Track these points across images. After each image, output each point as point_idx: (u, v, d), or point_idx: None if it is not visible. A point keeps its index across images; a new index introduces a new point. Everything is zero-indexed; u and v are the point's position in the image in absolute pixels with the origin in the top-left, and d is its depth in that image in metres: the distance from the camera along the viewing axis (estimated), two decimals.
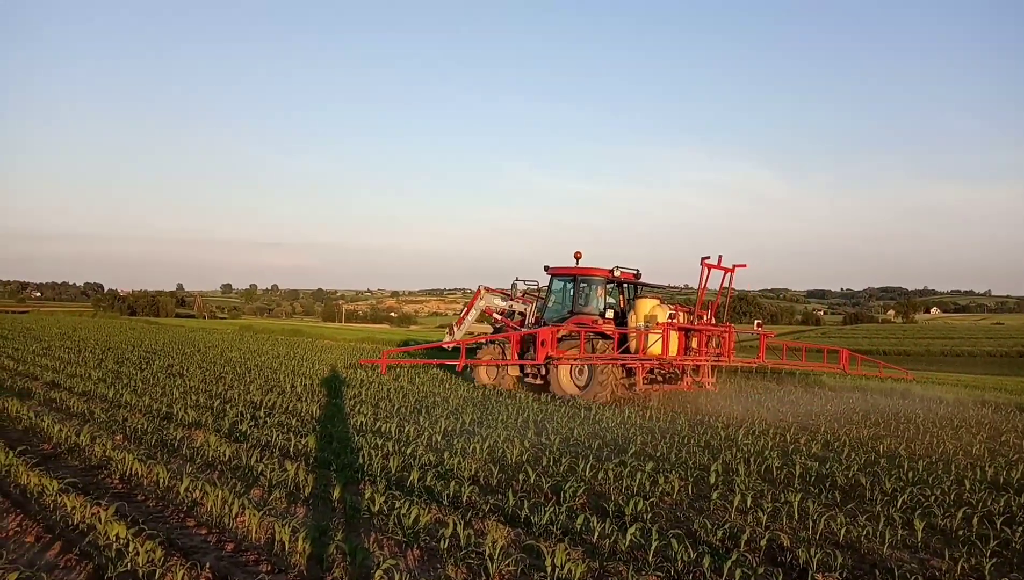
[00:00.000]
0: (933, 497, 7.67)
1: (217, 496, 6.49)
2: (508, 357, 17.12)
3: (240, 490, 7.12)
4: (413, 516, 6.25)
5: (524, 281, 18.93)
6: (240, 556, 5.60)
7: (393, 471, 8.01)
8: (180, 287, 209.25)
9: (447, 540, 5.81)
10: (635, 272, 17.41)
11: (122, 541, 5.45)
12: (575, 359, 15.83)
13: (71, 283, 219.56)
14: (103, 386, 13.95)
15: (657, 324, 15.37)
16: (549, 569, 5.22)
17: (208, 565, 5.18)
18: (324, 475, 7.83)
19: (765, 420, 13.06)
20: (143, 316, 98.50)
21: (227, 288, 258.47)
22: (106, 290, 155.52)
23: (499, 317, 19.13)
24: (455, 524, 5.97)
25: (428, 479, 7.60)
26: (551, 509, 6.56)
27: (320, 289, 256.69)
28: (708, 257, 15.53)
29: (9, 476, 7.52)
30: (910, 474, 8.82)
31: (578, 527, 6.24)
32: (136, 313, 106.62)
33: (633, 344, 15.70)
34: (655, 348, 15.18)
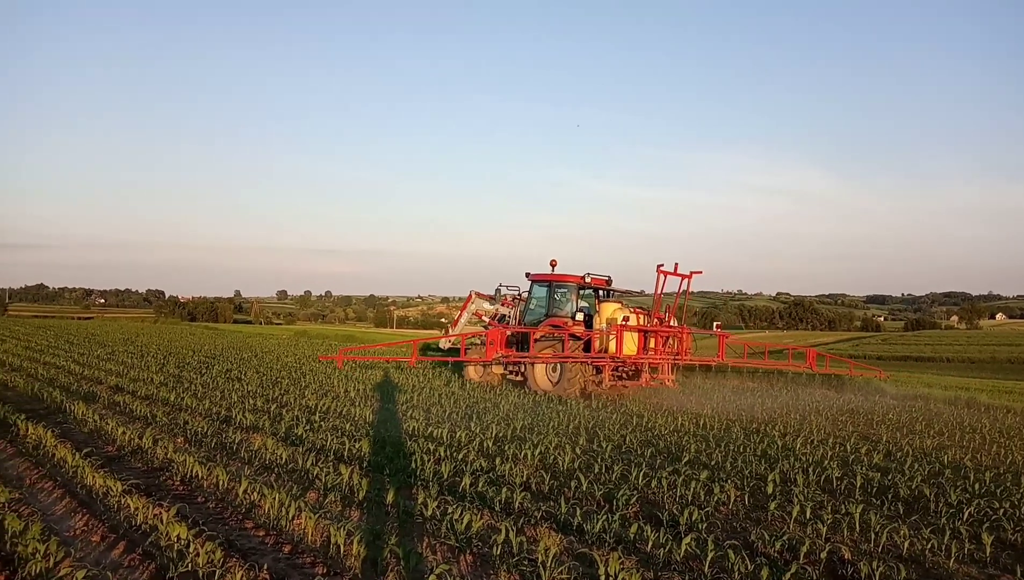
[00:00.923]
0: (1002, 510, 7.38)
1: (274, 499, 6.61)
2: (507, 359, 18.41)
3: (296, 493, 7.24)
4: (466, 521, 6.26)
5: (507, 286, 20.11)
6: (296, 558, 5.69)
7: (445, 476, 8.05)
8: (238, 293, 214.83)
9: (499, 546, 5.81)
10: (607, 278, 18.69)
11: (183, 542, 5.58)
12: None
13: (133, 290, 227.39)
14: (165, 390, 14.36)
15: (612, 326, 16.52)
16: (602, 578, 5.17)
17: (266, 567, 5.27)
18: (378, 479, 7.91)
19: (824, 429, 12.75)
20: (202, 322, 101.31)
21: (282, 294, 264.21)
22: (167, 296, 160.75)
23: (487, 320, 20.36)
24: (507, 530, 5.96)
25: (480, 485, 7.61)
26: (604, 517, 6.50)
27: (372, 295, 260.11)
28: (663, 264, 16.56)
29: (76, 477, 7.78)
30: (976, 486, 8.50)
31: (631, 536, 6.17)
32: (196, 319, 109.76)
33: (596, 344, 16.84)
34: (614, 347, 16.33)
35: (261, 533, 6.23)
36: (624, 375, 17.79)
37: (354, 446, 9.40)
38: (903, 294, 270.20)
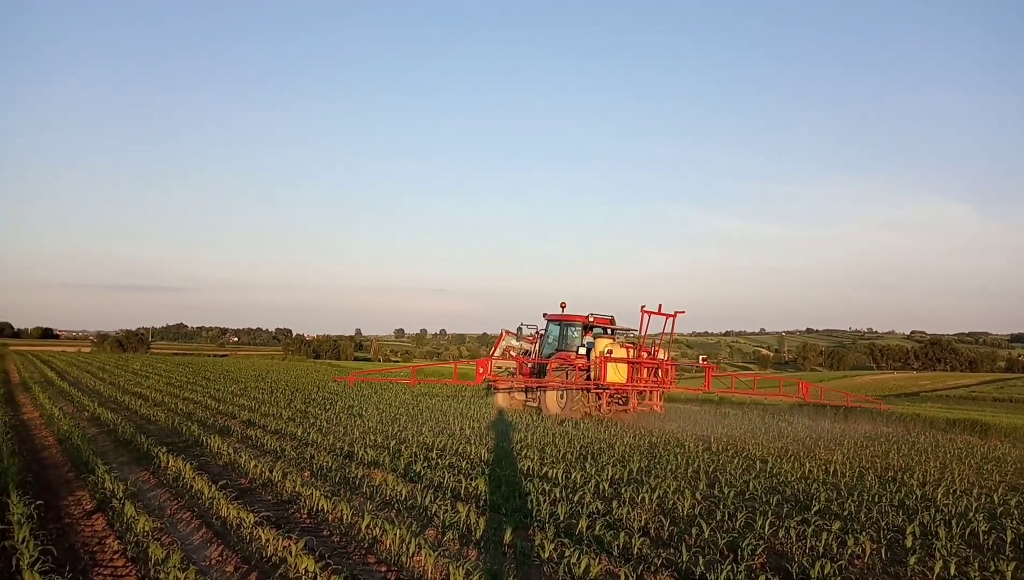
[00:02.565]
0: None
1: (395, 534, 6.75)
2: (515, 385, 21.70)
3: (416, 529, 7.35)
4: (583, 566, 6.17)
5: (527, 325, 22.58)
6: None
7: (561, 518, 7.97)
8: (358, 332, 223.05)
9: None
10: (610, 318, 21.08)
11: (310, 575, 5.78)
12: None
13: (264, 329, 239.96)
14: (292, 425, 15.02)
15: (600, 358, 18.99)
16: None
17: None
18: (495, 518, 7.93)
19: (968, 478, 11.78)
20: (326, 359, 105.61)
21: (400, 332, 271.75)
22: (294, 335, 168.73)
23: (514, 354, 22.80)
24: (626, 576, 5.82)
25: (597, 528, 7.49)
26: (728, 567, 6.24)
27: (485, 333, 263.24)
28: (645, 305, 18.47)
29: (212, 508, 8.23)
30: None
31: None
32: (320, 356, 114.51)
33: (592, 373, 19.31)
34: (609, 377, 18.85)
35: (383, 568, 6.36)
36: (620, 401, 20.04)
37: (470, 484, 9.48)
38: None
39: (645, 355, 19.57)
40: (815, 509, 8.75)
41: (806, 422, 20.86)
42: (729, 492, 9.52)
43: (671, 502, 8.88)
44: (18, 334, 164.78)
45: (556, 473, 10.49)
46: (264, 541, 6.78)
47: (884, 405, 25.26)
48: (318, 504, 8.24)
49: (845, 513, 8.74)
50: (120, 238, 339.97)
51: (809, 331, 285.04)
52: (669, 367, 20.05)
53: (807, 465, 12.27)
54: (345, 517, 7.72)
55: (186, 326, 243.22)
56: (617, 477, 10.47)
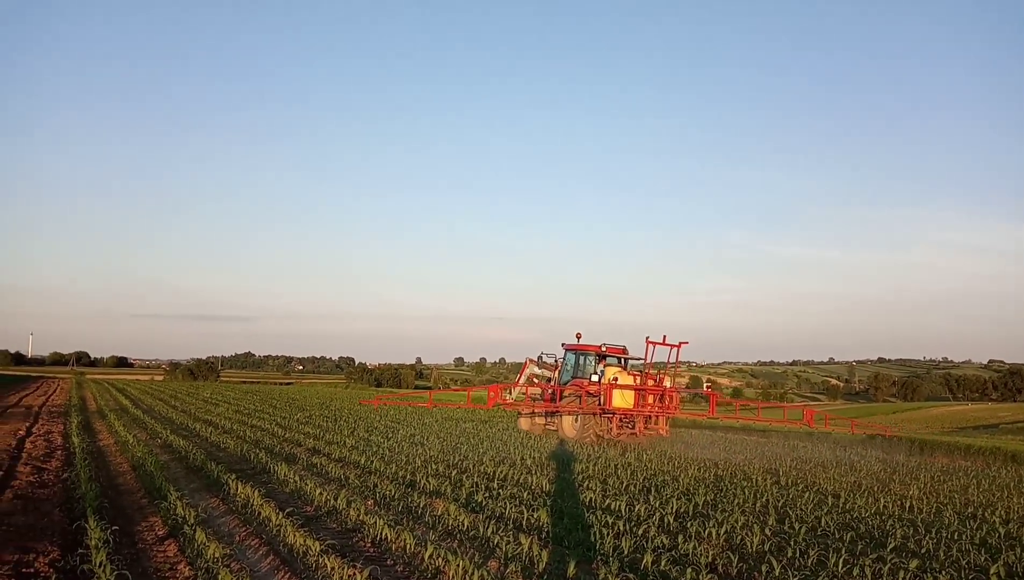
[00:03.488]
0: None
1: (458, 565, 6.73)
2: (536, 410, 23.26)
3: (478, 560, 7.32)
4: None
5: (546, 354, 24.26)
6: None
7: (626, 552, 7.83)
8: (419, 360, 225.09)
9: None
10: (622, 347, 22.25)
11: None
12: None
13: (328, 357, 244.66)
14: (356, 453, 15.20)
15: (607, 385, 20.44)
16: None
17: None
18: (557, 551, 7.84)
19: None
20: (387, 387, 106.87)
21: (459, 361, 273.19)
22: (356, 363, 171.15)
23: (536, 381, 24.32)
24: None
25: (663, 563, 7.32)
26: None
27: None
28: (649, 336, 20.18)
29: (279, 535, 8.37)
30: None
31: None
32: (382, 384, 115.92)
33: (601, 399, 20.57)
34: (615, 402, 20.31)
35: None
36: (628, 425, 21.30)
37: (532, 515, 9.41)
38: None
39: (651, 382, 21.00)
40: (891, 546, 8.39)
41: (879, 455, 20.19)
42: (800, 528, 9.22)
43: (739, 537, 8.64)
44: (95, 363, 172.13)
45: (619, 505, 10.33)
46: (329, 569, 6.85)
47: (891, 431, 26.21)
48: (381, 533, 8.30)
49: (923, 551, 8.35)
50: (193, 270, 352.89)
51: (881, 360, 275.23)
52: (673, 394, 21.65)
53: (882, 500, 11.80)
54: (408, 547, 7.75)
55: (253, 354, 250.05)
56: (682, 510, 10.25)
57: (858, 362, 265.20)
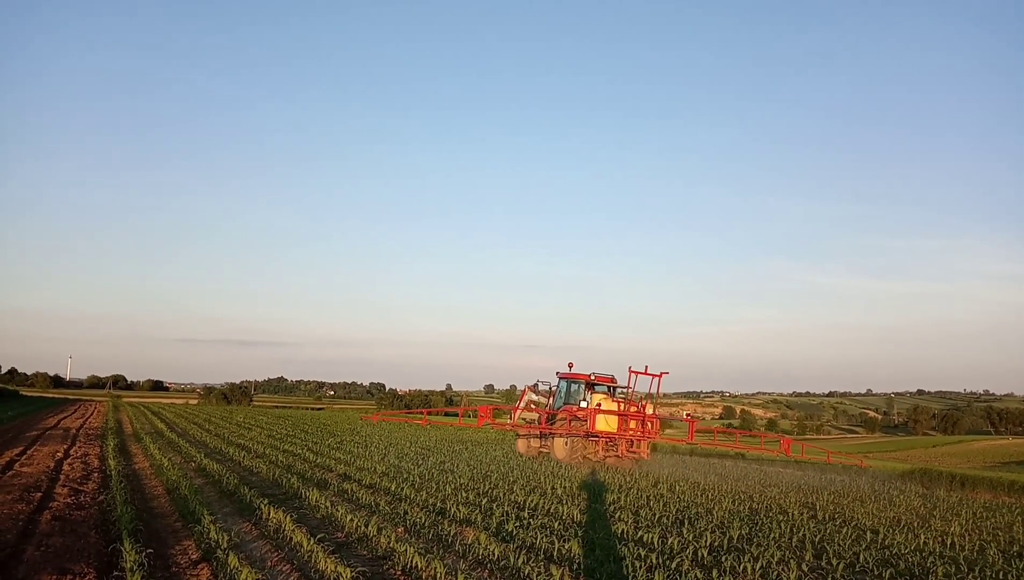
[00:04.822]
0: None
1: None
2: (533, 434, 24.83)
3: None
4: None
5: (542, 382, 26.00)
6: None
7: None
8: (449, 387, 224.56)
9: None
10: (611, 377, 23.72)
11: None
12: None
13: (359, 383, 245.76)
14: (386, 480, 15.20)
15: (590, 409, 21.97)
16: None
17: None
18: None
19: None
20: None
21: (489, 388, 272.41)
22: (387, 389, 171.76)
23: (534, 407, 25.69)
24: None
25: None
26: None
27: None
28: (631, 366, 21.91)
29: (310, 561, 8.38)
30: None
31: None
32: (412, 410, 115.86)
33: (588, 423, 21.91)
34: (598, 426, 21.84)
35: None
36: (613, 448, 22.82)
37: (563, 546, 9.31)
38: None
39: (633, 409, 22.86)
40: None
41: (918, 489, 19.68)
42: (838, 564, 9.00)
43: (775, 573, 8.46)
44: (131, 386, 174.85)
45: (652, 538, 10.18)
46: None
47: (864, 462, 27.94)
48: (412, 561, 8.26)
49: None
50: (227, 296, 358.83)
51: (920, 393, 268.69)
52: (654, 420, 23.80)
53: (922, 536, 11.48)
54: (439, 575, 7.70)
55: (286, 379, 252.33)
56: (716, 544, 10.06)
57: (896, 394, 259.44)
